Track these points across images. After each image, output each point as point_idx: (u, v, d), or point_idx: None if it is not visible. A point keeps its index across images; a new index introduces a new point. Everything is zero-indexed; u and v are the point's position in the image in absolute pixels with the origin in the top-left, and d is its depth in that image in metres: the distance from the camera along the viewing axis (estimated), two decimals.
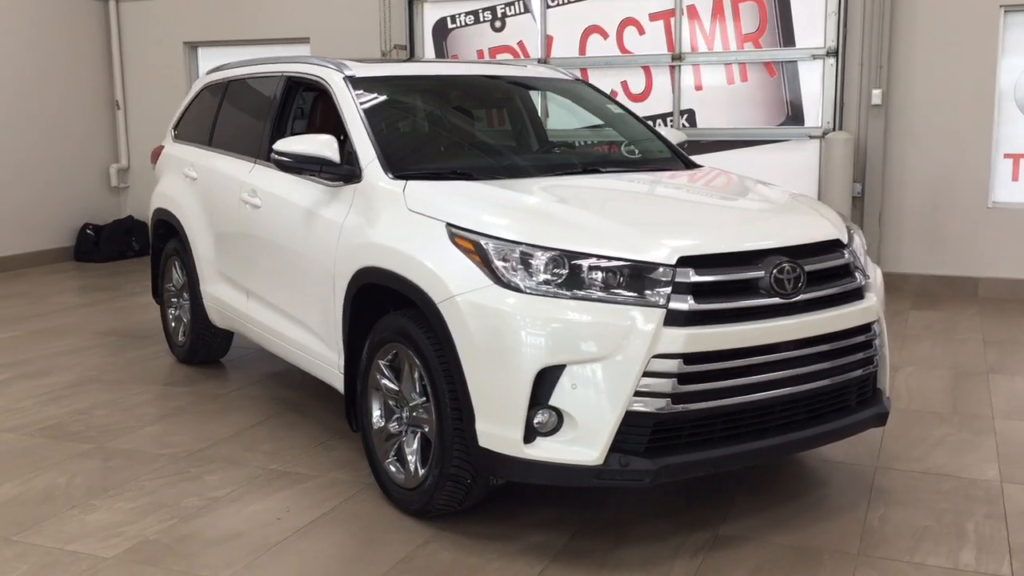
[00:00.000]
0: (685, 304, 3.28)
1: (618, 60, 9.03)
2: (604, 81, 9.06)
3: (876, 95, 8.11)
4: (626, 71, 9.04)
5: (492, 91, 4.96)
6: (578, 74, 8.97)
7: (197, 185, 5.69)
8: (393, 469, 3.86)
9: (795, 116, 8.57)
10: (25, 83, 10.10)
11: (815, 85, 8.46)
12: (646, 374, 3.23)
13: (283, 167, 4.25)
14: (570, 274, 3.33)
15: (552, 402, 3.27)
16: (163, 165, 6.33)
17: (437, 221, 3.62)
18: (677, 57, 8.81)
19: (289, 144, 4.21)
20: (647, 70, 8.98)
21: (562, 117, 5.41)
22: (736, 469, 4.00)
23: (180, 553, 3.52)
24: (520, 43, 9.37)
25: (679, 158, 4.95)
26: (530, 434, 3.30)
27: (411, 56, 9.71)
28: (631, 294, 3.30)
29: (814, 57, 8.39)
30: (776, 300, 3.43)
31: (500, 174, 4.23)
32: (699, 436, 3.39)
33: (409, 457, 3.77)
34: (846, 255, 3.72)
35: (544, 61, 9.23)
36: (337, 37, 9.90)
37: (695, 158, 8.78)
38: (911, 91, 8.17)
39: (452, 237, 3.53)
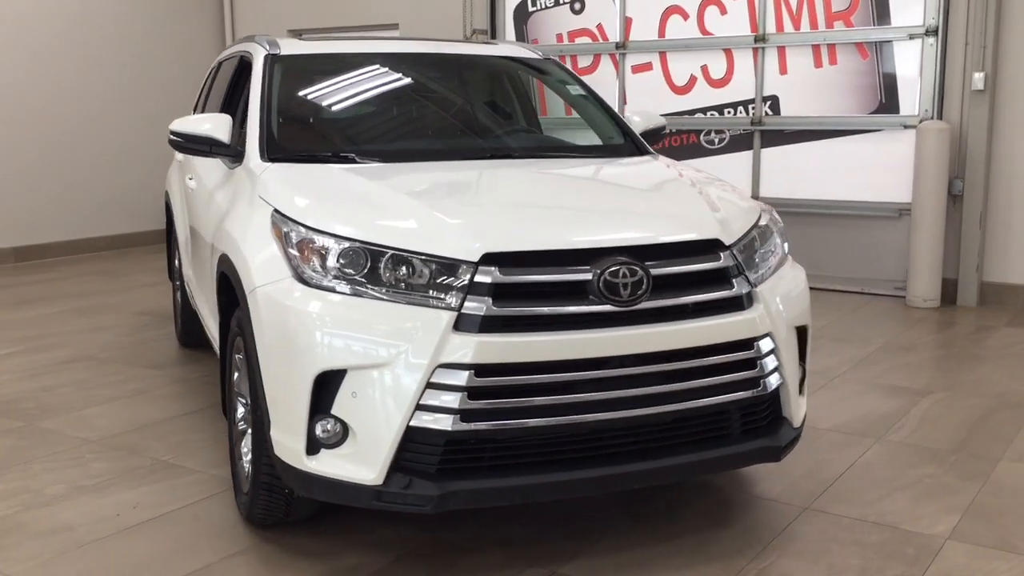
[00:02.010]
0: (481, 307, 2.85)
1: (697, 42, 8.38)
2: (683, 65, 8.47)
3: (978, 79, 7.10)
4: (706, 54, 8.37)
5: (433, 70, 4.59)
6: (655, 58, 8.46)
7: (180, 168, 5.65)
8: (247, 468, 3.61)
9: (889, 103, 7.65)
10: (140, 69, 10.53)
11: (912, 68, 7.51)
12: (431, 386, 2.82)
13: (177, 147, 4.08)
14: (370, 268, 2.96)
15: (335, 411, 2.92)
16: None
17: (269, 207, 3.34)
18: (760, 38, 8.07)
19: (182, 123, 4.04)
20: (728, 53, 8.28)
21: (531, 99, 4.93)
22: (568, 499, 3.57)
23: None
24: (599, 26, 8.88)
25: (635, 144, 4.41)
26: (313, 445, 2.96)
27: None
28: (426, 294, 2.90)
29: (911, 36, 7.46)
30: (608, 307, 2.93)
31: (386, 158, 3.89)
32: (507, 460, 2.95)
33: (245, 459, 3.52)
34: (723, 258, 3.14)
35: (622, 44, 8.70)
36: (423, 22, 9.76)
37: (774, 150, 8.17)
38: (1021, 74, 7.10)
39: (272, 224, 3.23)
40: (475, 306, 2.85)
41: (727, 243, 3.18)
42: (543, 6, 9.15)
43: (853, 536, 3.42)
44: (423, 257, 2.92)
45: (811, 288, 7.68)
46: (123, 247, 10.46)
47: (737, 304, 3.13)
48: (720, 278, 3.13)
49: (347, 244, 2.98)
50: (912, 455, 4.21)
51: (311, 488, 3.01)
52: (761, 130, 8.19)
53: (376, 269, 2.95)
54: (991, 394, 5.09)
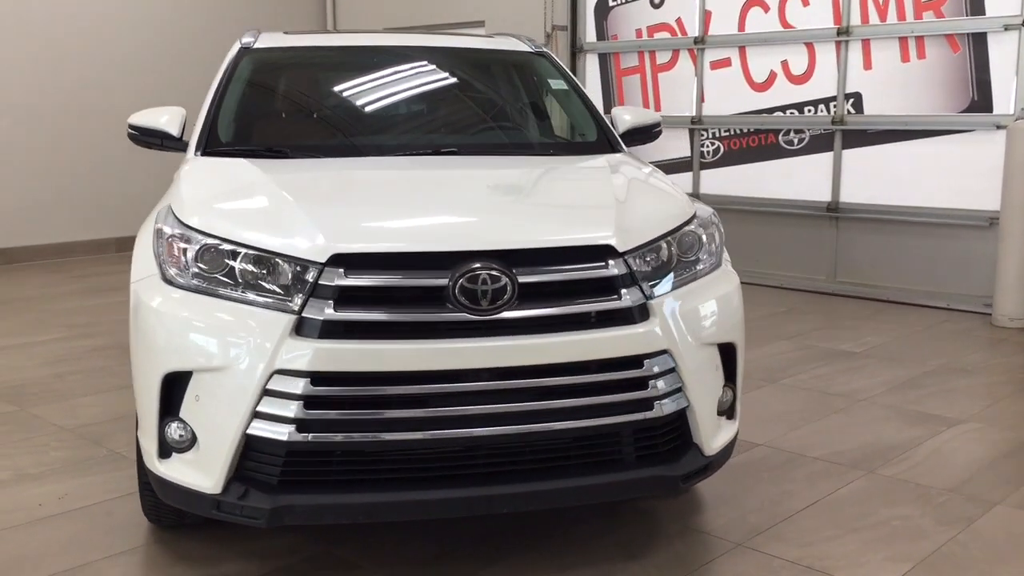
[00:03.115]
0: (321, 312, 2.68)
1: (777, 36, 7.88)
2: (763, 60, 8.00)
3: None
4: (786, 48, 7.87)
5: (407, 63, 4.40)
6: (734, 54, 8.02)
7: None
8: None
9: (982, 101, 6.96)
10: None
11: (1008, 62, 6.80)
12: (268, 393, 2.68)
13: (134, 140, 4.08)
14: (228, 267, 2.84)
15: (182, 414, 2.82)
16: None
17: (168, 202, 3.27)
18: (844, 31, 7.50)
19: (138, 116, 4.05)
20: (810, 47, 7.75)
21: (508, 93, 4.64)
22: (430, 520, 3.34)
23: None
24: (679, 20, 8.50)
25: (608, 141, 4.11)
26: (165, 449, 2.88)
27: (573, 36, 9.18)
28: (273, 295, 2.75)
29: (1007, 27, 6.75)
30: (464, 316, 2.70)
31: (322, 152, 3.77)
32: (355, 475, 2.77)
33: None
34: (611, 266, 2.84)
35: (701, 39, 8.30)
36: (506, 19, 9.62)
37: (856, 151, 7.56)
38: None
39: (155, 220, 3.16)
40: (316, 310, 2.68)
41: (621, 250, 2.87)
42: (623, 1, 8.83)
43: None
44: (276, 256, 2.78)
45: (891, 302, 7.24)
46: None
47: (624, 317, 2.84)
48: (606, 288, 2.84)
49: (208, 241, 2.87)
50: (897, 492, 3.75)
51: (165, 493, 2.92)
52: (842, 130, 7.62)
53: (233, 268, 2.82)
54: None
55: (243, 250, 2.82)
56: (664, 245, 3.03)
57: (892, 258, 7.49)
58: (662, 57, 8.65)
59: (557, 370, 2.76)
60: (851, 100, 7.58)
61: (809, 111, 7.82)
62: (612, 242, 2.87)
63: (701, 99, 8.43)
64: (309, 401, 2.66)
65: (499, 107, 4.42)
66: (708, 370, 3.03)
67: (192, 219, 2.97)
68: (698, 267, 3.11)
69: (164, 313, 2.84)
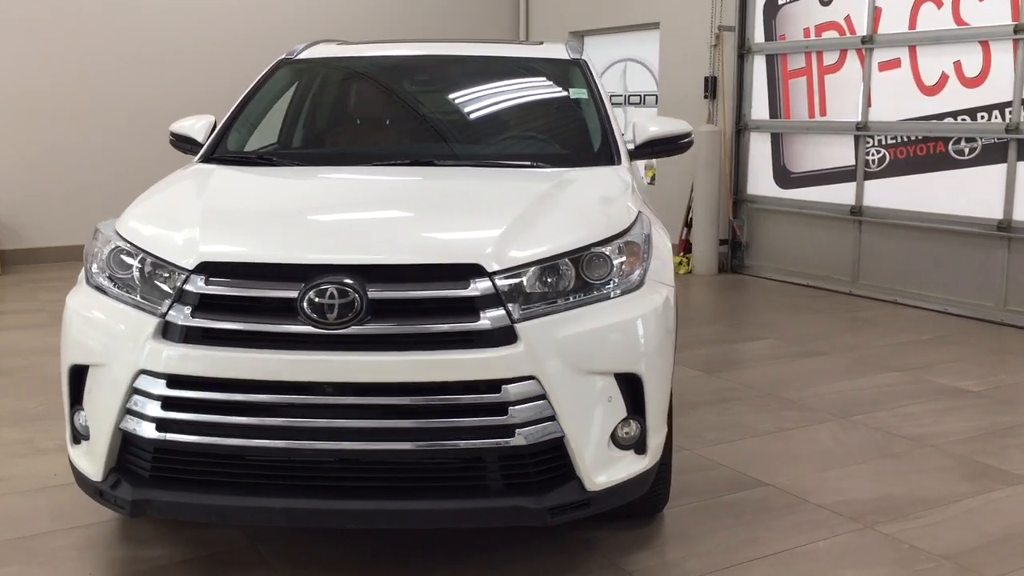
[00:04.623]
0: (180, 317, 2.78)
1: (948, 35, 7.13)
2: (934, 61, 7.28)
3: None
4: (959, 48, 7.09)
5: (435, 74, 4.39)
6: (903, 54, 7.37)
7: None
8: None
9: None
10: None
11: None
12: (136, 391, 2.82)
13: (173, 145, 4.38)
14: (132, 269, 3.01)
15: (84, 404, 3.03)
16: None
17: None
18: (1022, 28, 6.66)
19: (178, 123, 4.34)
20: (985, 46, 6.94)
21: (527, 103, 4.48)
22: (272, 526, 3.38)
23: None
24: (847, 18, 7.89)
25: (611, 154, 3.91)
26: (76, 436, 3.10)
27: (742, 37, 8.76)
28: (152, 299, 2.89)
29: None
30: (309, 329, 2.71)
31: (301, 161, 3.91)
32: (212, 477, 2.85)
33: None
34: (472, 286, 2.74)
35: (868, 38, 7.67)
36: (679, 21, 9.39)
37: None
38: None
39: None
40: (177, 315, 2.79)
41: (491, 269, 2.76)
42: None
43: None
44: (160, 261, 2.91)
45: None
46: None
47: (483, 340, 2.72)
48: (465, 308, 2.74)
49: (119, 243, 3.06)
50: (880, 552, 3.32)
51: (76, 477, 3.13)
52: (1018, 139, 6.77)
53: (134, 270, 2.99)
54: None
55: (140, 254, 2.98)
56: (560, 265, 2.87)
57: None
58: (829, 58, 8.07)
59: (406, 389, 2.70)
60: None
61: (982, 117, 7.01)
62: (480, 261, 2.77)
63: (868, 103, 7.79)
64: (167, 402, 2.78)
65: (508, 117, 4.33)
66: (595, 401, 2.84)
67: (121, 224, 3.17)
68: (601, 290, 2.92)
69: (74, 310, 3.06)
